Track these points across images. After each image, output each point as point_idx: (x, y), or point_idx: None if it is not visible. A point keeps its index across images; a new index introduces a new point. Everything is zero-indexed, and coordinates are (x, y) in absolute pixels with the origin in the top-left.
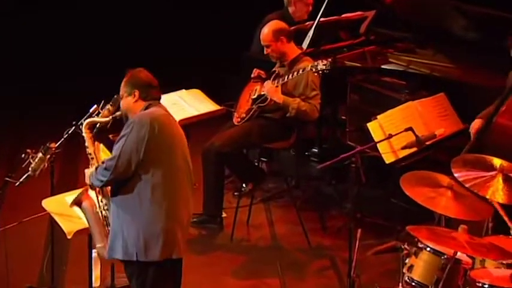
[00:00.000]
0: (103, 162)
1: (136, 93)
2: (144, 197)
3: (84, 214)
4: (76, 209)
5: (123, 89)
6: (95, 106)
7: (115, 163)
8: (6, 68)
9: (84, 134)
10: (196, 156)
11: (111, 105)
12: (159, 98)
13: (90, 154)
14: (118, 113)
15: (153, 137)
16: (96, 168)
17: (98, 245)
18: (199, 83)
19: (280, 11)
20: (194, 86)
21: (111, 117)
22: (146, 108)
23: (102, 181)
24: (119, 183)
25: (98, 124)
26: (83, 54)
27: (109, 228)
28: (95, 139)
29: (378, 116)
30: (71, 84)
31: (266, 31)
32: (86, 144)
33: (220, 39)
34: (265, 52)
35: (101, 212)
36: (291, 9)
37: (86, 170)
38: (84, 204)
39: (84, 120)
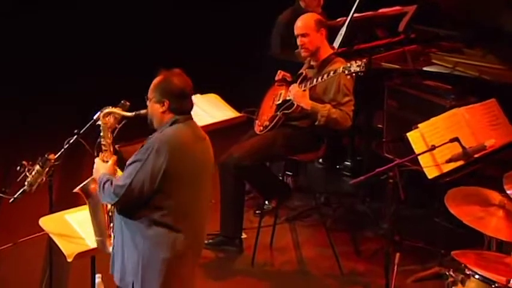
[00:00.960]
0: (111, 183)
1: (166, 103)
2: (150, 222)
3: (89, 201)
4: (77, 226)
5: (152, 92)
6: (99, 112)
7: (125, 191)
8: (3, 69)
9: (100, 123)
10: None
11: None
12: (191, 109)
13: (104, 145)
14: (143, 111)
15: (171, 167)
16: (104, 184)
17: (97, 238)
18: (212, 87)
19: (292, 7)
20: (207, 90)
21: (134, 113)
22: (172, 123)
23: (108, 202)
24: None
25: (116, 116)
26: (83, 54)
27: (112, 232)
28: (113, 131)
29: (419, 125)
30: (71, 86)
31: (307, 19)
32: (102, 134)
33: (228, 40)
34: (299, 42)
35: (107, 205)
36: (302, 4)
37: (97, 160)
38: (92, 191)
39: (104, 111)
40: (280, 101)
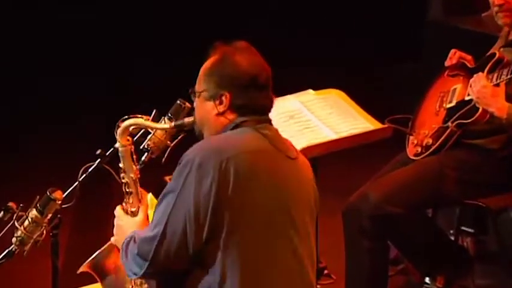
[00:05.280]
0: (134, 240)
1: (226, 98)
2: None
3: (104, 284)
4: None
5: (201, 83)
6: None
7: (154, 247)
8: None
9: (118, 146)
10: (330, 218)
11: (169, 118)
12: (268, 109)
13: (126, 184)
14: (188, 120)
15: (225, 196)
16: (127, 245)
17: None
18: (333, 80)
19: None
20: (323, 85)
21: (172, 124)
22: (233, 128)
23: (135, 273)
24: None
25: (150, 131)
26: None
27: None
28: (138, 158)
29: None
30: (85, 93)
31: None
32: (121, 165)
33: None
34: (495, 1)
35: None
36: None
37: (118, 211)
38: (108, 279)
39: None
40: (453, 103)
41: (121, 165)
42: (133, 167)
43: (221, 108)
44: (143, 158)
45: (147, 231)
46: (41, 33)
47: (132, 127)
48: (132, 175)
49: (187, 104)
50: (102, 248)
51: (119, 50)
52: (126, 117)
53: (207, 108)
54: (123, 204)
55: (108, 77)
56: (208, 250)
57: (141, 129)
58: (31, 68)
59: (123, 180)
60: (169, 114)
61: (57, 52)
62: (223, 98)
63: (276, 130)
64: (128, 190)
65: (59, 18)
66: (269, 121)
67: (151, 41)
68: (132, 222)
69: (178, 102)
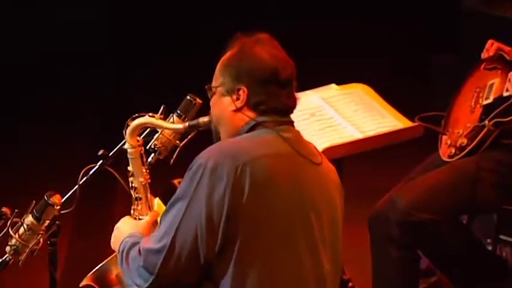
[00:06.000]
0: (139, 251)
1: (244, 92)
2: None
3: None
4: None
5: (217, 78)
6: (148, 117)
7: (162, 260)
8: None
9: (127, 147)
10: (355, 225)
11: (178, 115)
12: (290, 110)
13: (134, 188)
14: (203, 120)
15: (240, 204)
16: (128, 252)
17: None
18: (358, 74)
19: None
20: (348, 79)
21: (186, 124)
22: (250, 129)
23: (138, 285)
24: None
25: (159, 131)
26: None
27: None
28: (148, 162)
29: None
30: (87, 88)
31: None
32: (130, 168)
33: None
34: None
35: None
36: None
37: (125, 219)
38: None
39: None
40: (490, 100)
41: (129, 168)
42: (143, 170)
43: (238, 104)
44: (150, 159)
45: (153, 241)
46: (41, 33)
47: (143, 126)
48: (141, 179)
49: (198, 100)
50: (107, 260)
51: (118, 50)
52: (136, 115)
53: (223, 105)
54: (131, 211)
55: (108, 77)
56: (220, 262)
57: (147, 128)
58: (31, 68)
59: (131, 185)
60: (178, 111)
61: (57, 52)
62: (241, 92)
63: (298, 133)
64: (136, 196)
65: (59, 18)
66: (291, 123)
67: (151, 41)
68: (133, 223)
69: (188, 97)
